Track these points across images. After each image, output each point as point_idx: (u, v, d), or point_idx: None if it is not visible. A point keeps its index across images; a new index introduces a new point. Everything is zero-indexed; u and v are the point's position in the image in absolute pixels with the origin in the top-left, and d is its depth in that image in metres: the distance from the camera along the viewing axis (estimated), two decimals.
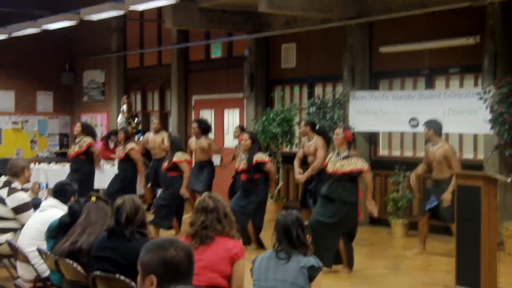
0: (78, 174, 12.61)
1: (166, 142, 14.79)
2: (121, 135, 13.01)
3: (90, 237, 5.59)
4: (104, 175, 13.91)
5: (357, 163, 9.01)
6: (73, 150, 13.07)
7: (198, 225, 5.27)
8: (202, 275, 5.11)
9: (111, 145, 15.77)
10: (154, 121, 14.95)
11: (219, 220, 5.27)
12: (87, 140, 12.95)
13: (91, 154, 13.13)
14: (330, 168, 9.13)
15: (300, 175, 11.14)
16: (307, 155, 11.46)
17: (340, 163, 9.02)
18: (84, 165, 12.94)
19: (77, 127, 13.22)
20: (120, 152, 12.91)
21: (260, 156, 10.42)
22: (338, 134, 9.14)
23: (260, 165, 10.37)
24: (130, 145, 12.82)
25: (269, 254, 5.34)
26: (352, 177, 9.04)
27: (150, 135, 14.63)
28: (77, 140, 13.13)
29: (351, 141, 9.19)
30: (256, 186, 10.44)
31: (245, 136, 10.57)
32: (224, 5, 13.80)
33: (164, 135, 14.44)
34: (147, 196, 14.51)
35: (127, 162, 12.79)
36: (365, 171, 9.04)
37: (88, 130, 13.25)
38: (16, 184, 7.98)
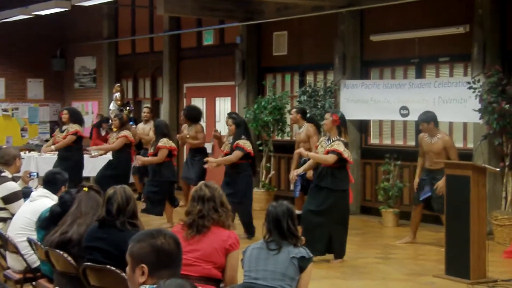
0: (68, 163, 12.33)
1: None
2: (116, 122, 12.79)
3: (80, 228, 5.58)
4: (94, 163, 13.80)
5: (339, 146, 8.94)
6: (60, 138, 12.83)
7: (195, 214, 5.28)
8: (196, 266, 5.15)
9: (103, 133, 15.74)
10: (144, 109, 14.94)
11: (216, 209, 5.29)
12: (74, 126, 12.76)
13: (80, 142, 12.98)
14: (320, 153, 9.11)
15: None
16: (298, 142, 11.48)
17: (329, 146, 9.00)
18: (74, 153, 12.75)
19: (65, 114, 12.89)
20: (113, 139, 12.73)
21: (242, 141, 10.40)
22: (326, 119, 9.13)
23: (237, 148, 10.35)
24: (124, 133, 12.64)
25: (259, 244, 5.36)
26: (342, 164, 9.02)
27: (140, 125, 14.65)
28: (64, 127, 12.89)
29: (339, 125, 9.09)
30: (239, 172, 10.43)
31: (230, 121, 10.67)
32: None
33: (152, 125, 14.43)
34: (137, 186, 14.51)
35: (120, 150, 12.69)
36: (338, 152, 8.86)
37: (76, 117, 12.99)
38: (6, 173, 7.94)
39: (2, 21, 16.58)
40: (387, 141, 12.89)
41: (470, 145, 11.27)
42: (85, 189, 5.82)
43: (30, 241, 6.25)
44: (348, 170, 9.23)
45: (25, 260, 6.45)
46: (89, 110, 19.23)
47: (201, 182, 5.53)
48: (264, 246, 5.29)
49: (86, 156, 13.56)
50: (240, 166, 10.44)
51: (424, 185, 10.11)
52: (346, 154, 8.97)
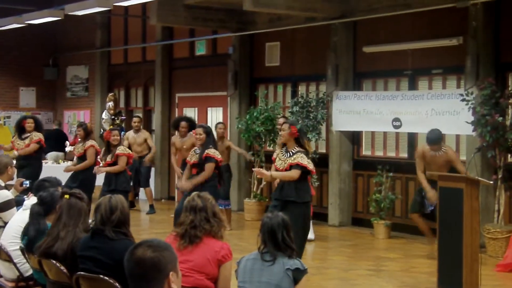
0: (25, 171, 11.99)
1: (150, 142, 14.76)
2: (80, 132, 12.36)
3: (64, 242, 5.46)
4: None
5: (303, 159, 8.67)
6: (22, 145, 12.65)
7: (187, 224, 5.30)
8: (189, 277, 5.16)
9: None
10: (134, 119, 14.88)
11: (207, 220, 5.31)
12: (38, 135, 12.63)
13: (41, 151, 12.86)
14: (280, 166, 8.79)
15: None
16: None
17: (291, 159, 8.84)
18: (33, 163, 12.61)
19: (31, 123, 12.73)
20: (79, 149, 12.27)
21: (212, 151, 10.21)
22: (284, 130, 8.79)
23: (208, 159, 10.21)
24: (90, 142, 12.26)
25: (254, 255, 5.34)
26: (304, 176, 8.79)
27: (130, 134, 14.60)
28: (25, 135, 12.69)
29: (298, 137, 8.77)
30: (205, 182, 10.17)
31: (200, 130, 10.32)
32: (208, 2, 13.81)
33: (145, 134, 14.46)
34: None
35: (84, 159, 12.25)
36: (303, 165, 8.60)
37: (39, 126, 12.92)
38: None
39: None
40: (379, 153, 12.90)
41: (463, 158, 11.28)
42: (66, 196, 5.69)
43: (22, 249, 6.21)
44: (309, 181, 9.06)
45: (17, 268, 6.41)
46: (81, 119, 19.14)
47: (194, 193, 5.55)
48: (258, 257, 5.27)
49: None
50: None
51: (422, 197, 10.12)
52: (311, 166, 8.74)
